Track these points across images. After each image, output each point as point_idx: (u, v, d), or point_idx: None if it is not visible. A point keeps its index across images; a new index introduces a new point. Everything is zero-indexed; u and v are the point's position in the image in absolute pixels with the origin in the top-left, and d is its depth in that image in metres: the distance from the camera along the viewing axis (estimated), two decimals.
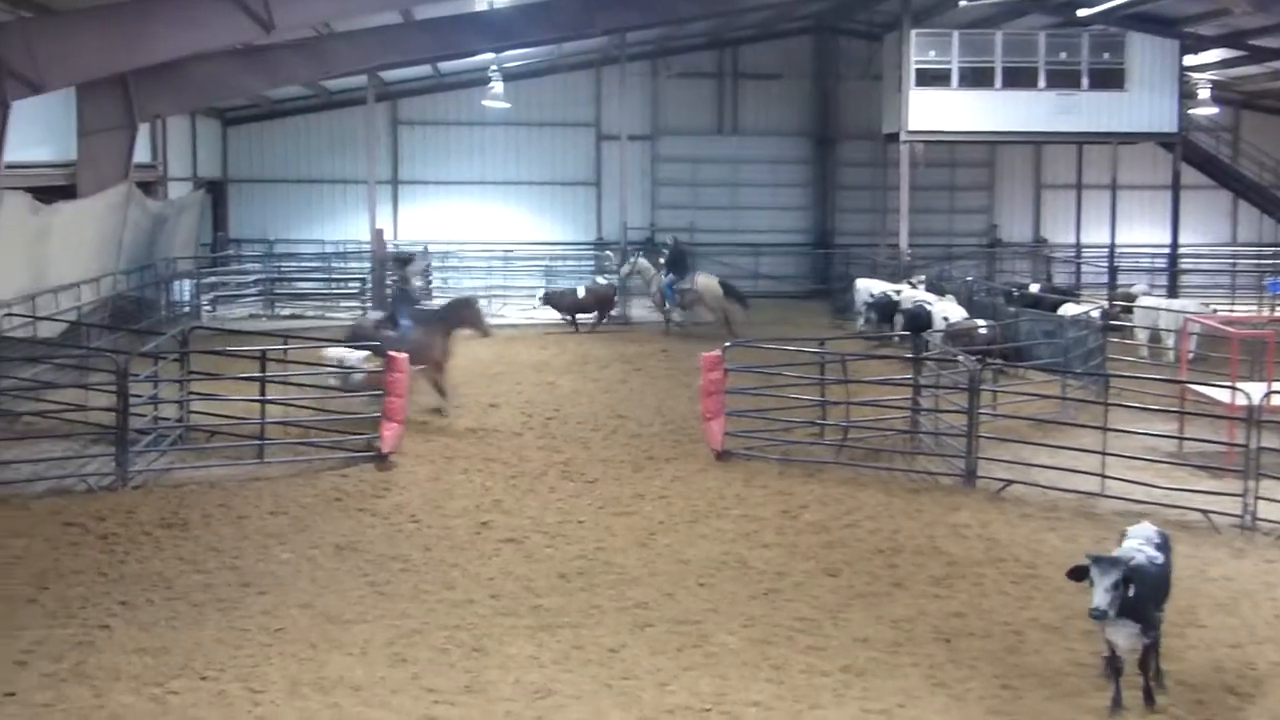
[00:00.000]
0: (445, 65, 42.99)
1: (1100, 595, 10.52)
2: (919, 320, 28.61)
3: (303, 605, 13.46)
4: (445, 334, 23.43)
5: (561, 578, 14.53)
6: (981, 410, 19.25)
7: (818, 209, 48.48)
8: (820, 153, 48.31)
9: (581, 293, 36.61)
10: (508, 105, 43.38)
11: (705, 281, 35.57)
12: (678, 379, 27.16)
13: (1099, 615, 10.60)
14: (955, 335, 26.47)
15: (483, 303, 39.38)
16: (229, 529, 16.26)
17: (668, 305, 35.74)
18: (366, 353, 21.28)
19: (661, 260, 36.77)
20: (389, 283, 31.99)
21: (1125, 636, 10.81)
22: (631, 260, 37.41)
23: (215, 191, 45.30)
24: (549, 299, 36.56)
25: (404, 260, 32.43)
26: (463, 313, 24.26)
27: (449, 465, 19.77)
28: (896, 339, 28.50)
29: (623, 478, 19.09)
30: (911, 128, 39.09)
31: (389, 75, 42.55)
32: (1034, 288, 35.32)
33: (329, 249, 44.98)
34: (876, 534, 16.16)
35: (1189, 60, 41.38)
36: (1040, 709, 11.09)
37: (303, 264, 43.68)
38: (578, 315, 36.15)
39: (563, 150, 47.57)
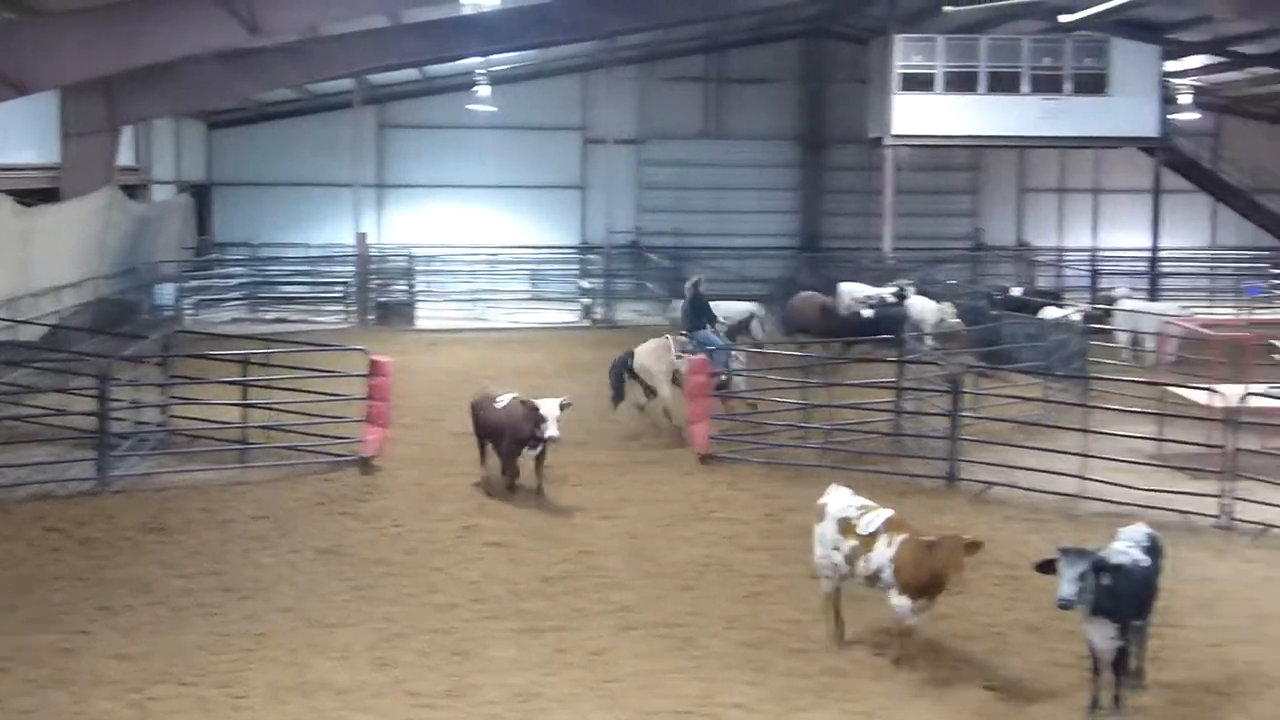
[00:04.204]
0: (432, 69, 42.95)
1: (1066, 586, 10.62)
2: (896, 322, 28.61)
3: (285, 610, 13.47)
4: None
5: (545, 581, 14.56)
6: (963, 413, 19.33)
7: (805, 213, 48.39)
8: (808, 157, 48.25)
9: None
10: (494, 109, 43.35)
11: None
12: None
13: (1064, 605, 10.69)
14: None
15: (468, 307, 39.82)
16: (211, 533, 16.26)
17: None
18: None
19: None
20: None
21: (1103, 637, 10.86)
22: None
23: (200, 195, 45.20)
24: None
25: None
26: None
27: (433, 469, 19.79)
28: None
29: (608, 481, 19.12)
30: (896, 132, 39.15)
31: (376, 79, 42.49)
32: (1017, 291, 35.39)
33: (314, 253, 44.85)
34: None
35: (1171, 66, 41.49)
36: (1023, 710, 11.18)
37: (287, 268, 43.60)
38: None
39: (549, 154, 47.41)
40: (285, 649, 12.35)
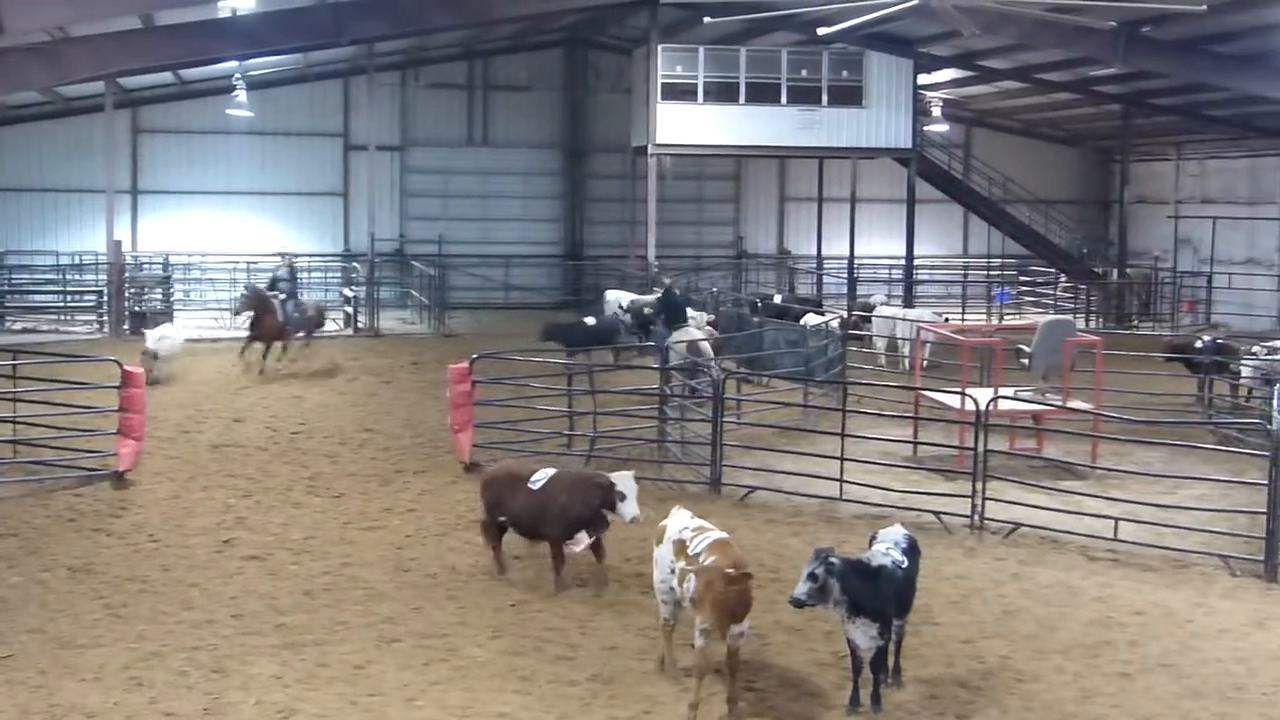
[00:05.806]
0: (188, 73, 41.96)
1: (799, 585, 10.98)
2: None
3: (33, 631, 12.98)
4: None
5: (307, 595, 14.31)
6: (726, 419, 19.62)
7: (568, 221, 48.74)
8: (571, 165, 48.57)
9: None
10: (251, 114, 42.48)
11: None
12: (427, 391, 27.00)
13: (794, 604, 11.05)
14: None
15: (224, 317, 38.91)
16: None
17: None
18: None
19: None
20: None
21: (865, 636, 11.13)
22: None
23: None
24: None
25: None
26: None
27: (190, 483, 19.30)
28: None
29: (370, 492, 18.90)
30: (659, 141, 39.58)
31: (129, 82, 41.28)
32: (778, 298, 36.08)
33: (64, 261, 43.47)
34: (624, 543, 16.28)
35: (923, 79, 42.87)
36: (784, 709, 11.37)
37: (36, 276, 42.16)
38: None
39: (310, 161, 46.81)
40: (34, 671, 11.89)
